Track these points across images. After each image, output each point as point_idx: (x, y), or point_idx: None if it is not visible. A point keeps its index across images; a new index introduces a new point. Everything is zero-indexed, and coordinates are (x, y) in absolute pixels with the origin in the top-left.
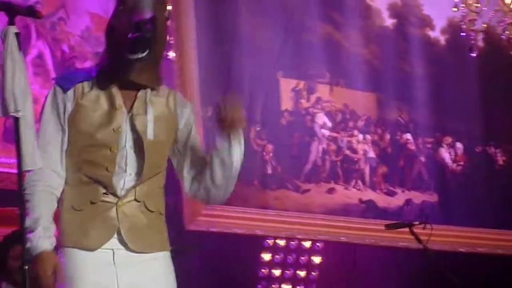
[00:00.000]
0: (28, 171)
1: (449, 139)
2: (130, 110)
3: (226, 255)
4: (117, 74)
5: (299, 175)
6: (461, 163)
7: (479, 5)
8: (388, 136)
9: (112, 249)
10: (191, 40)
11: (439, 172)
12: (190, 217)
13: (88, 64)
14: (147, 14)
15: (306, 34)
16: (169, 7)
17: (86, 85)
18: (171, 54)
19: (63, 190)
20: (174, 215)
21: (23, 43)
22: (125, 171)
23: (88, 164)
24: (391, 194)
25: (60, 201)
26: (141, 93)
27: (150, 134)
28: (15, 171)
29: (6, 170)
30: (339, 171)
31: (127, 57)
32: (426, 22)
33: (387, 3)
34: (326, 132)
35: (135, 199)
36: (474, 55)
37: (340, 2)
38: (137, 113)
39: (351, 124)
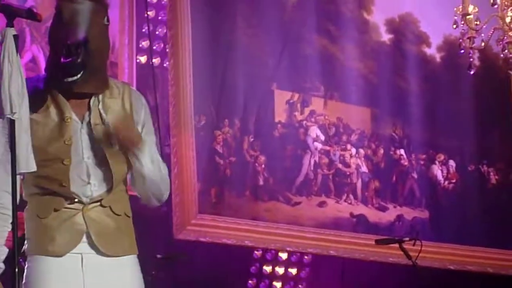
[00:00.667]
0: (22, 173)
1: (442, 156)
2: (83, 119)
3: (215, 265)
4: (62, 86)
5: (291, 187)
6: (453, 180)
7: (478, 22)
8: (381, 151)
9: (81, 254)
10: (186, 49)
11: (431, 189)
12: (179, 226)
13: None
14: (80, 35)
15: (302, 46)
16: (165, 16)
17: (35, 99)
18: (166, 63)
19: (27, 200)
20: (163, 224)
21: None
22: (89, 182)
23: (44, 179)
24: (382, 209)
25: (25, 209)
26: (93, 100)
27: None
28: None
29: None
30: (330, 184)
31: (62, 80)
32: (423, 39)
33: (385, 19)
34: (318, 145)
35: (101, 205)
36: (472, 73)
37: (337, 16)
38: (95, 123)
39: (344, 138)
